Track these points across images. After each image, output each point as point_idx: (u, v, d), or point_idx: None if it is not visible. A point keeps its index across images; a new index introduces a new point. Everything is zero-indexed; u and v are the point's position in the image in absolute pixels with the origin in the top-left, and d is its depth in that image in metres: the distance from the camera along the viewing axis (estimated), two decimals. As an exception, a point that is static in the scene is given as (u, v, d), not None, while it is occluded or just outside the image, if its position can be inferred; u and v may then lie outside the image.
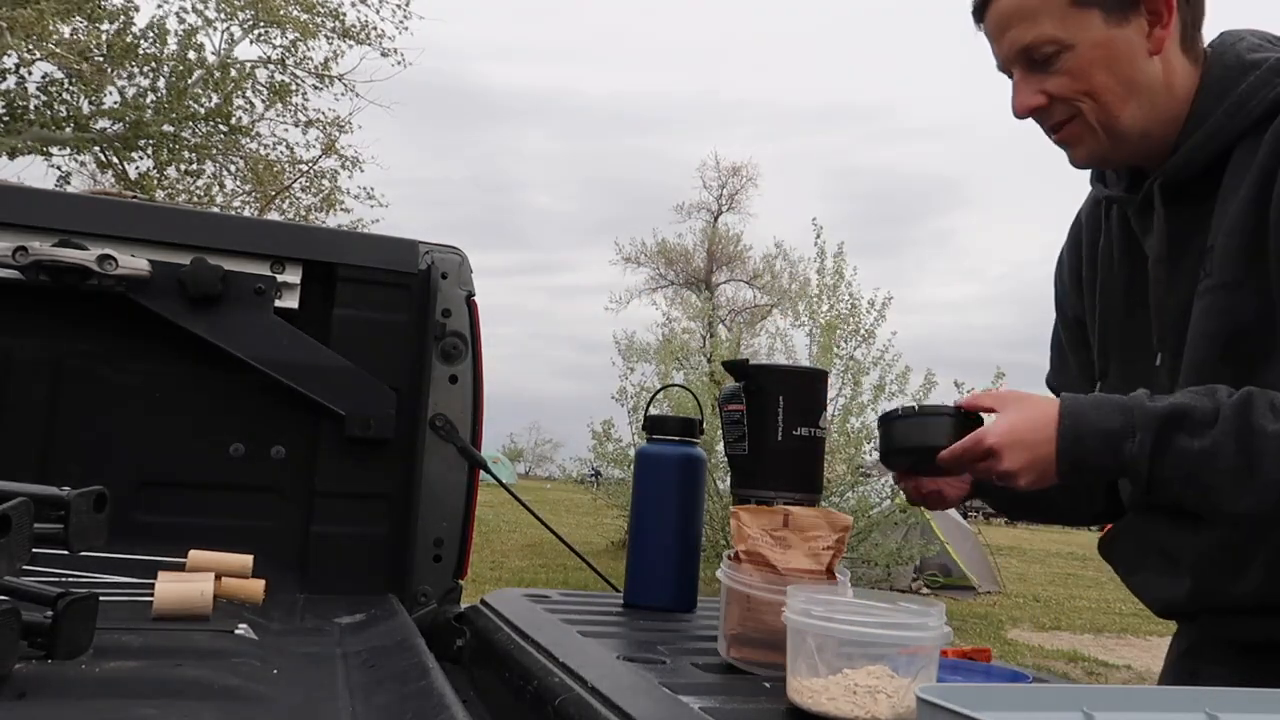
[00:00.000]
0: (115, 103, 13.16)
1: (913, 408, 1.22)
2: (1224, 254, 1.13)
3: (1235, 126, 1.14)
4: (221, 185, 14.84)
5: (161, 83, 13.40)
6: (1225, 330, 1.13)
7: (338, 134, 14.80)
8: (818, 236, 9.86)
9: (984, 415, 1.17)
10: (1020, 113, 1.20)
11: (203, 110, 13.75)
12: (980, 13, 1.20)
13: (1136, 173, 1.25)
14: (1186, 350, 1.17)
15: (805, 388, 1.39)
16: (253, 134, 14.66)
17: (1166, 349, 1.22)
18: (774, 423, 1.32)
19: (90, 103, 13.05)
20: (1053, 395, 1.18)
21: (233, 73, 13.94)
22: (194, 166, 14.26)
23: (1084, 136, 1.18)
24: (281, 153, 14.90)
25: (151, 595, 1.29)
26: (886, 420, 1.24)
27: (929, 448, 1.17)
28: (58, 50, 11.92)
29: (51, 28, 11.64)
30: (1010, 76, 1.20)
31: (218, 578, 1.38)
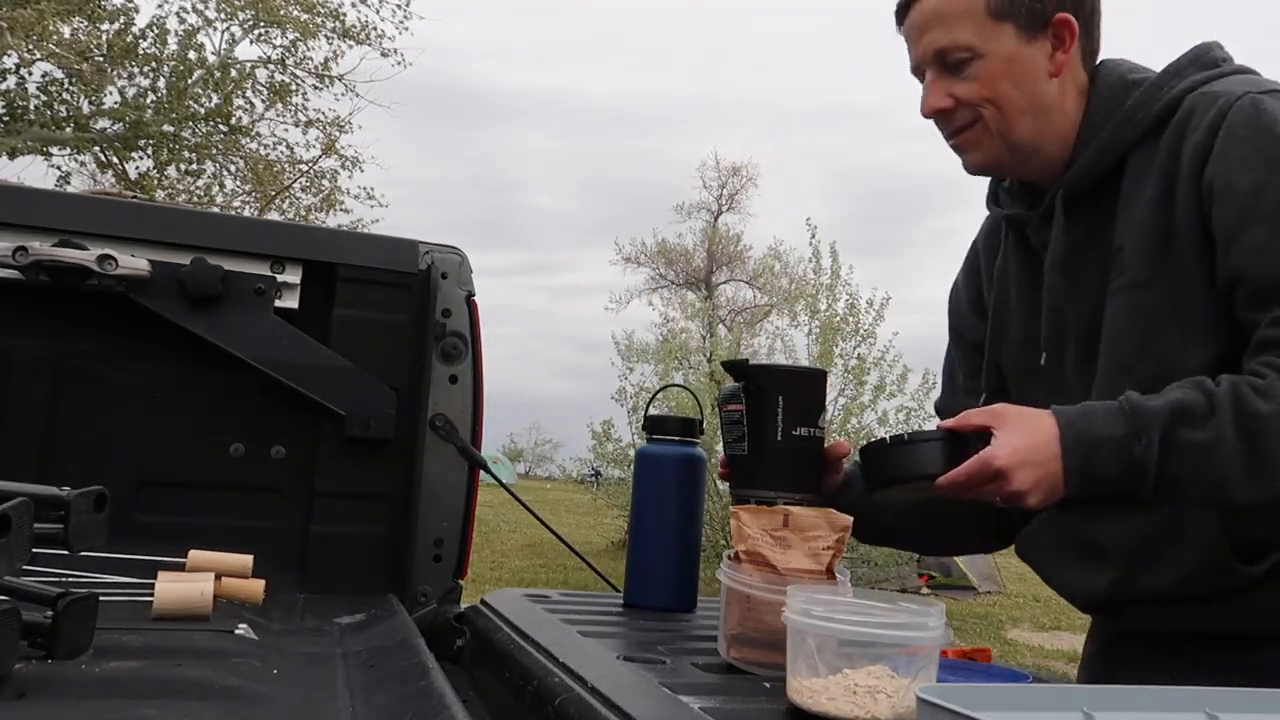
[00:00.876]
0: (115, 103, 13.16)
1: (901, 436, 1.20)
2: (1134, 253, 1.20)
3: (1126, 137, 1.23)
4: (221, 185, 14.85)
5: (161, 83, 13.41)
6: (1142, 324, 1.19)
7: (338, 134, 14.81)
8: (812, 236, 9.87)
9: (972, 435, 1.14)
10: (927, 113, 1.27)
11: (203, 110, 13.75)
12: (902, 15, 1.27)
13: (1031, 192, 1.33)
14: (1104, 349, 1.22)
15: (805, 387, 1.37)
16: (253, 134, 14.66)
17: (1051, 349, 1.29)
18: (773, 423, 1.31)
19: (90, 103, 13.06)
20: (1034, 409, 1.16)
21: (233, 73, 13.94)
22: (194, 166, 14.26)
23: (981, 142, 1.25)
24: (281, 153, 14.91)
25: (151, 595, 1.29)
26: (874, 451, 1.22)
27: (923, 476, 1.15)
28: (58, 50, 11.92)
29: (52, 28, 11.64)
30: (921, 80, 1.27)
31: (218, 578, 1.38)
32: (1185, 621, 1.20)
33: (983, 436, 1.11)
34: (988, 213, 1.46)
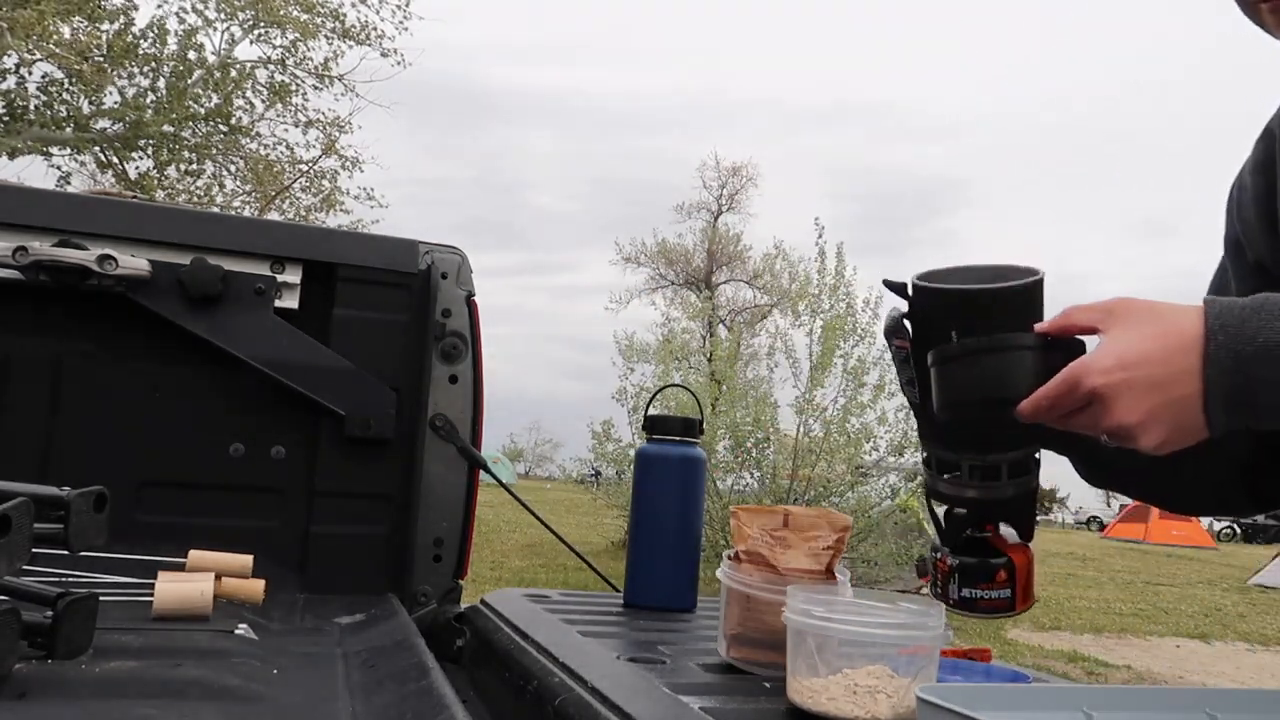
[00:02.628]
0: (115, 103, 13.16)
1: (968, 342, 0.90)
2: None
3: None
4: (221, 185, 14.86)
5: (161, 83, 13.41)
6: None
7: (338, 134, 14.82)
8: (819, 236, 9.86)
9: (1084, 340, 0.87)
10: None
11: (203, 110, 13.76)
12: None
13: None
14: None
15: (989, 309, 0.94)
16: (253, 134, 14.67)
17: None
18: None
19: (90, 103, 13.06)
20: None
21: (233, 73, 13.95)
22: (194, 166, 14.27)
23: None
24: (281, 153, 14.92)
25: (151, 595, 1.29)
26: (942, 360, 0.93)
27: (999, 400, 0.87)
28: (58, 50, 11.92)
29: (52, 28, 11.64)
30: None
31: (218, 578, 1.38)
32: None
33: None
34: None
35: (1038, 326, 0.89)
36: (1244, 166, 1.11)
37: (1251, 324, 0.76)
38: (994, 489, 1.02)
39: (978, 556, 1.04)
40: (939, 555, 1.07)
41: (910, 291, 1.00)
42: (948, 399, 0.93)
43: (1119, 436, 0.81)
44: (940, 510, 1.08)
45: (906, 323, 1.01)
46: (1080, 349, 0.84)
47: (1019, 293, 0.94)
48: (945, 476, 1.04)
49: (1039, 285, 0.95)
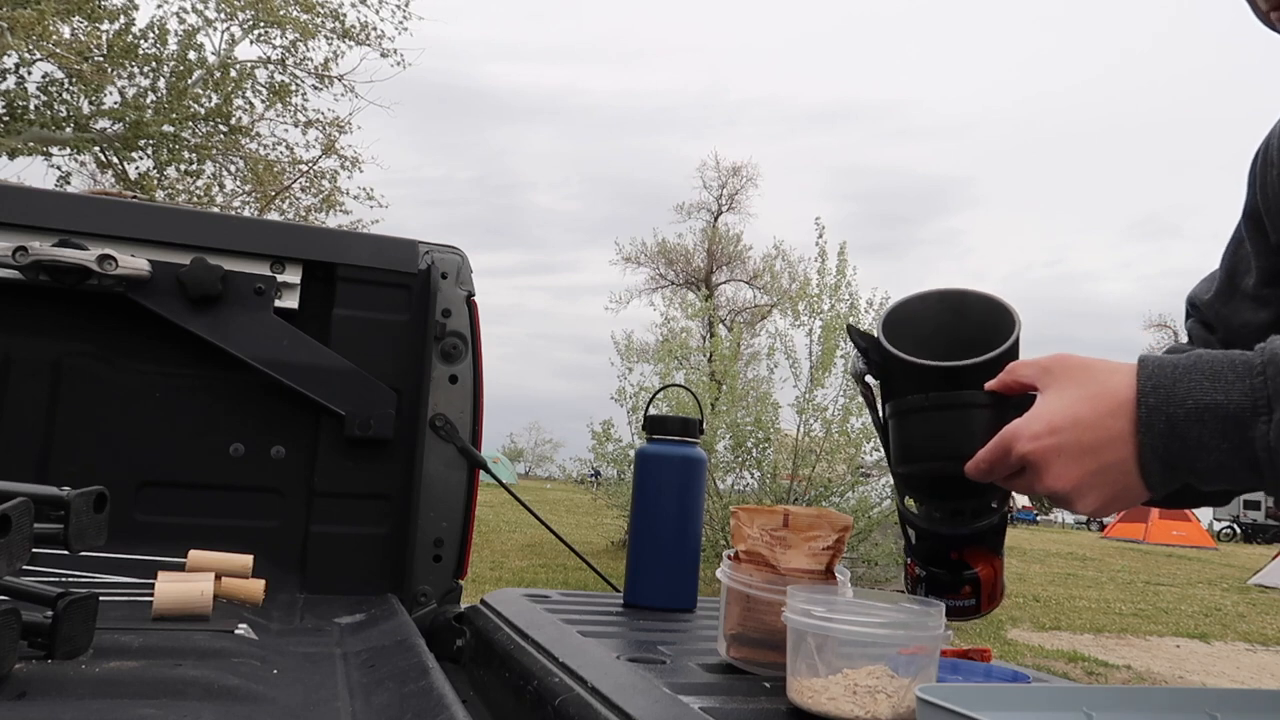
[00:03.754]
0: (115, 103, 13.15)
1: (921, 398, 0.90)
2: None
3: None
4: (221, 185, 14.86)
5: (161, 83, 13.41)
6: None
7: (337, 134, 14.82)
8: (820, 236, 9.85)
9: (1023, 399, 0.85)
10: None
11: (203, 110, 13.76)
12: None
13: None
14: None
15: (955, 378, 0.92)
16: (253, 134, 14.67)
17: None
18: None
19: (90, 103, 13.05)
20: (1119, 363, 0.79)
21: (233, 73, 13.94)
22: (194, 166, 14.26)
23: None
24: (281, 153, 14.92)
25: (151, 595, 1.29)
26: (898, 414, 0.94)
27: (951, 457, 0.87)
28: (58, 50, 11.92)
29: (52, 28, 11.64)
30: None
31: (218, 578, 1.38)
32: None
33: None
34: None
35: (987, 385, 0.88)
36: (1272, 135, 1.04)
37: (1183, 385, 0.73)
38: (959, 525, 1.03)
39: (944, 569, 1.05)
40: (909, 560, 1.09)
41: (875, 347, 1.00)
42: (903, 453, 0.95)
43: (1056, 502, 0.80)
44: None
45: (868, 376, 1.01)
46: (1029, 406, 0.82)
47: (978, 367, 0.91)
48: (912, 509, 1.06)
49: (1004, 356, 0.92)
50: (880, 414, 1.02)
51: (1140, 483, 0.76)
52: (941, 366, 0.92)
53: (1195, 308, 1.15)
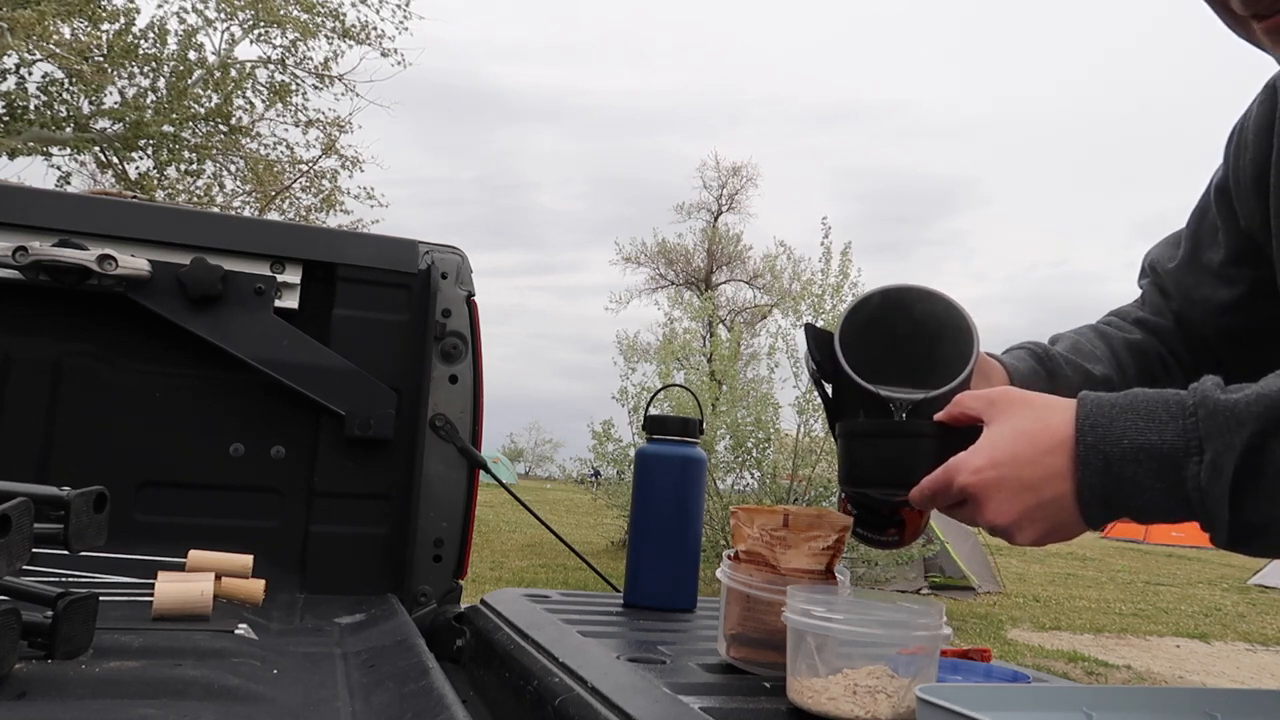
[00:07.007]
0: (115, 103, 13.16)
1: (865, 424, 0.94)
2: None
3: None
4: (221, 185, 14.86)
5: (161, 83, 13.41)
6: None
7: (338, 134, 14.83)
8: (825, 236, 9.84)
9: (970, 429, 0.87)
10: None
11: (203, 110, 13.76)
12: None
13: None
14: None
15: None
16: (253, 134, 14.68)
17: None
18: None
19: (90, 103, 13.06)
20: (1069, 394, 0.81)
21: (233, 73, 13.95)
22: (194, 166, 14.27)
23: None
24: (281, 153, 14.93)
25: (151, 595, 1.29)
26: (847, 436, 0.96)
27: (896, 483, 0.90)
28: (58, 50, 11.92)
29: (52, 28, 11.64)
30: None
31: (218, 578, 1.38)
32: None
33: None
34: None
35: (936, 416, 0.90)
36: (1248, 114, 1.05)
37: (1119, 424, 0.74)
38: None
39: (874, 512, 1.10)
40: (845, 493, 1.12)
41: (830, 358, 1.00)
42: (850, 475, 0.97)
43: (994, 533, 0.82)
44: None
45: (823, 382, 1.02)
46: (976, 438, 0.84)
47: (932, 400, 0.93)
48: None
49: (959, 387, 0.93)
50: (831, 418, 1.04)
51: (1078, 518, 0.78)
52: (894, 399, 0.94)
53: (1154, 271, 1.15)
